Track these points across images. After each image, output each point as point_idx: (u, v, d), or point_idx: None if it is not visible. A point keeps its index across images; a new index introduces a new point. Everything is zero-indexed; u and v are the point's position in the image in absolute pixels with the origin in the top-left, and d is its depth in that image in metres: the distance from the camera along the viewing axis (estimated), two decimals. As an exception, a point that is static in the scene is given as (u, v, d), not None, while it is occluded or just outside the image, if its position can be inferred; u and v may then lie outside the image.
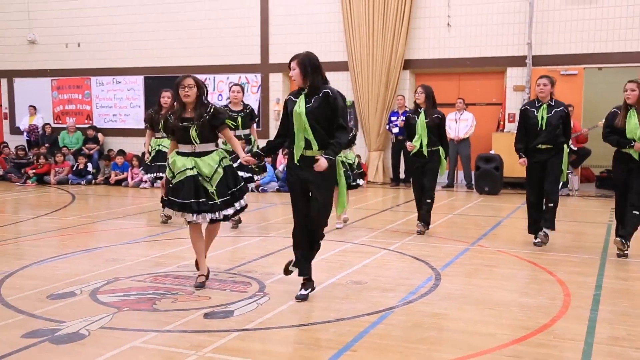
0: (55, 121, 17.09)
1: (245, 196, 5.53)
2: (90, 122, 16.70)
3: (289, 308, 4.93)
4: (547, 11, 12.77)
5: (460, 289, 5.49)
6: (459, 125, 13.13)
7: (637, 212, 6.65)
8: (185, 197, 5.24)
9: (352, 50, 14.05)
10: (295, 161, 5.06)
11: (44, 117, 17.06)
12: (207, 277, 5.61)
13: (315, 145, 4.97)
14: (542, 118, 7.04)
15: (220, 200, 5.31)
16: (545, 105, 7.08)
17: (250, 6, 14.98)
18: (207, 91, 5.55)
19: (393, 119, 13.50)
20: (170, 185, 5.36)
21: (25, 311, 4.78)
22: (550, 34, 12.81)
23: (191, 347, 4.06)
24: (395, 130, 13.29)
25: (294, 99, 5.13)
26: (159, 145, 8.71)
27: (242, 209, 5.57)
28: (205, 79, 15.58)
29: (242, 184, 5.53)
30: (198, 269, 5.62)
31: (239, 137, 8.20)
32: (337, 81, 14.40)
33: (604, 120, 7.11)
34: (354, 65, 14.07)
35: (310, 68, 5.11)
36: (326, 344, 4.19)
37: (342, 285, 5.58)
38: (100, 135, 16.14)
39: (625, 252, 6.66)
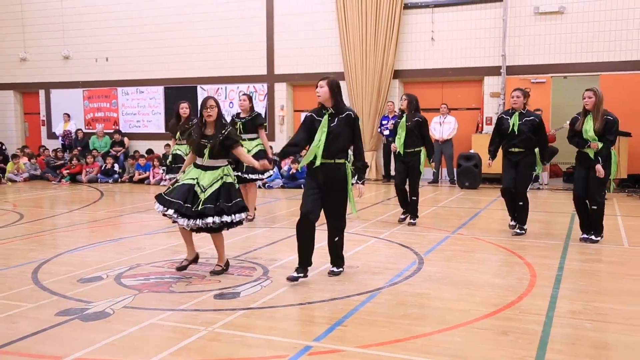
0: (87, 127, 17.16)
1: (241, 213, 5.26)
2: (117, 127, 16.75)
3: (289, 289, 4.97)
4: (519, 27, 12.77)
5: (441, 272, 5.53)
6: (443, 128, 13.15)
7: (595, 207, 6.69)
8: (175, 197, 5.13)
9: (347, 62, 14.07)
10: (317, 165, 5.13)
11: (77, 124, 17.11)
12: (192, 262, 5.54)
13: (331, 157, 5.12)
14: (514, 124, 7.07)
15: (202, 207, 5.10)
16: (517, 114, 7.11)
17: (258, 24, 15.00)
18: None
19: (384, 122, 13.52)
20: (171, 186, 5.33)
21: (58, 293, 4.85)
22: (521, 47, 12.81)
23: (202, 324, 4.11)
24: (386, 132, 13.31)
25: (316, 117, 5.17)
26: (176, 150, 8.77)
27: (234, 223, 5.26)
28: (218, 89, 15.66)
29: (237, 200, 5.26)
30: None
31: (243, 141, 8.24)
32: (334, 90, 14.45)
33: (568, 121, 7.16)
34: (349, 75, 14.09)
35: (337, 90, 5.19)
36: (321, 320, 4.24)
37: (336, 269, 5.61)
38: (126, 139, 16.20)
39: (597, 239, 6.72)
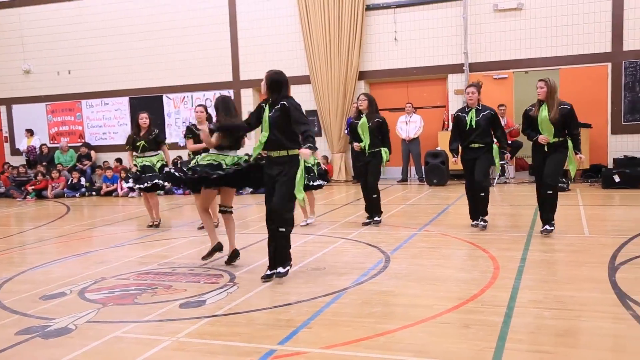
0: (51, 141, 16.90)
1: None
2: (83, 140, 16.54)
3: (255, 295, 4.98)
4: (479, 24, 12.99)
5: (406, 269, 5.59)
6: (409, 127, 13.29)
7: (550, 192, 6.83)
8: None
9: (312, 65, 14.13)
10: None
11: (41, 139, 16.85)
12: (216, 250, 6.18)
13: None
14: (472, 119, 7.19)
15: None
16: (474, 110, 7.22)
17: (221, 30, 14.98)
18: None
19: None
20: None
21: (19, 311, 4.77)
22: (483, 44, 13.02)
23: (167, 334, 4.09)
24: (354, 133, 13.39)
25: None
26: (143, 161, 8.68)
27: None
28: (184, 97, 15.57)
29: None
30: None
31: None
32: (300, 93, 14.51)
33: None
34: (315, 78, 14.15)
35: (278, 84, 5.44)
36: (286, 323, 4.25)
37: (304, 272, 5.64)
38: (92, 152, 16.00)
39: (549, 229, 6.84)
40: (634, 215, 8.09)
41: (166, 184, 9.01)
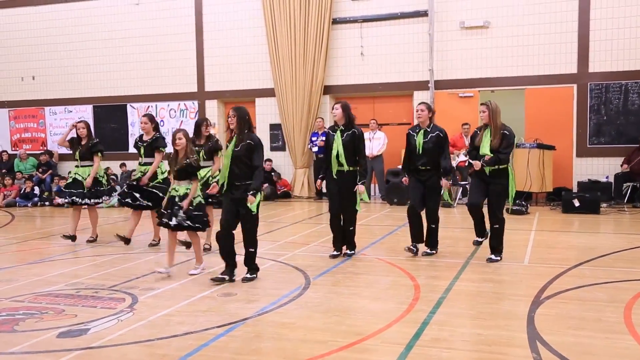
0: (13, 148, 16.52)
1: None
2: (45, 148, 16.14)
3: (147, 323, 4.62)
4: (445, 41, 12.76)
5: (319, 298, 5.25)
6: (372, 144, 12.98)
7: (497, 226, 6.53)
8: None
9: (277, 77, 13.86)
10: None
11: (3, 145, 16.47)
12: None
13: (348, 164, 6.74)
14: (419, 143, 6.86)
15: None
16: (422, 131, 6.89)
17: (187, 40, 14.70)
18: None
19: (314, 139, 13.30)
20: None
21: None
22: (448, 61, 12.79)
23: (24, 368, 3.72)
24: (315, 149, 13.11)
25: (332, 133, 6.89)
26: (75, 173, 8.33)
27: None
28: (148, 107, 15.24)
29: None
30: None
31: (143, 165, 7.88)
32: (265, 106, 14.27)
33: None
34: (280, 91, 13.87)
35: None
36: (159, 359, 3.88)
37: (211, 299, 5.29)
38: (55, 159, 15.59)
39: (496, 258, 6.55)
40: (583, 243, 7.78)
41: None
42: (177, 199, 6.11)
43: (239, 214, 5.80)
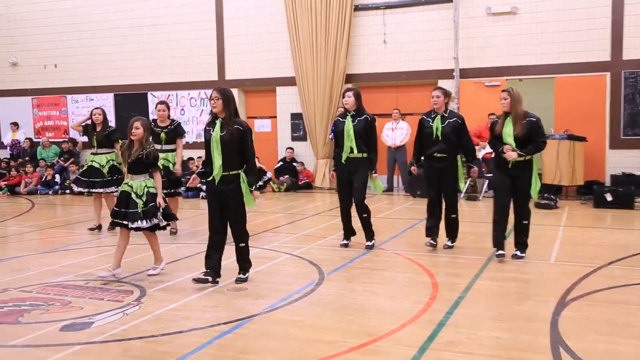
0: (36, 136, 16.65)
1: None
2: (67, 136, 16.24)
3: (152, 318, 4.50)
4: (471, 28, 12.37)
5: (332, 294, 5.07)
6: (395, 134, 12.74)
7: (526, 222, 6.24)
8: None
9: (298, 66, 13.64)
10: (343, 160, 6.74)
11: (26, 132, 16.62)
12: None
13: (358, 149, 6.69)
14: (437, 128, 6.65)
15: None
16: (439, 116, 6.69)
17: (208, 28, 14.57)
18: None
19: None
20: None
21: None
22: (474, 49, 12.40)
23: (22, 364, 3.63)
24: (337, 139, 12.89)
25: (341, 120, 6.84)
26: (92, 160, 8.30)
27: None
28: (169, 95, 15.19)
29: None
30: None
31: (163, 152, 7.83)
32: (286, 95, 14.09)
33: None
34: (301, 80, 13.65)
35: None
36: (160, 357, 3.76)
37: (220, 293, 5.15)
38: (79, 147, 15.66)
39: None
40: (615, 240, 7.42)
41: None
42: (133, 196, 5.54)
43: (224, 213, 5.26)
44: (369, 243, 6.89)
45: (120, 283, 5.51)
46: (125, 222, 5.54)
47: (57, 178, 13.75)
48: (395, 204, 11.13)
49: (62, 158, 15.10)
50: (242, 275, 5.49)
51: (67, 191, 13.48)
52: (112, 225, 8.15)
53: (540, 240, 7.25)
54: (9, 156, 16.21)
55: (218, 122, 5.21)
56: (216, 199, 5.28)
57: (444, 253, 6.63)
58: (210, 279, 5.28)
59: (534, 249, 6.57)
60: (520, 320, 4.35)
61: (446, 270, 5.89)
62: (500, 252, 6.15)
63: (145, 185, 5.62)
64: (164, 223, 5.69)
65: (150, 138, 5.84)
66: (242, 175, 5.24)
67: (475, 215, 9.58)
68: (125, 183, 5.69)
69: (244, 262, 5.50)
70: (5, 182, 13.71)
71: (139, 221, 5.51)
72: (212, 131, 5.19)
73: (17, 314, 4.64)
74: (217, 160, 5.15)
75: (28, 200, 12.63)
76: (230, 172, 5.20)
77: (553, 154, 10.78)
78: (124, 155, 5.66)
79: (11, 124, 16.54)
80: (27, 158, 15.46)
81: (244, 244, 5.41)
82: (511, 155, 6.02)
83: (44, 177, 13.73)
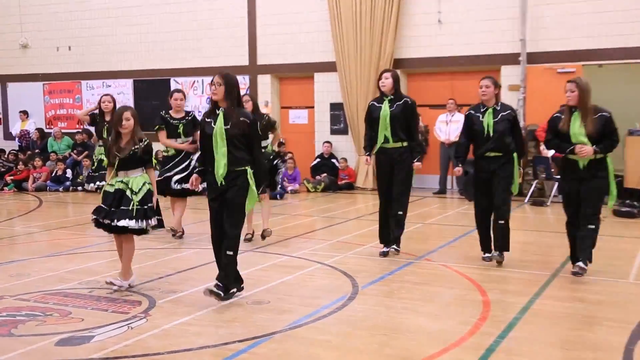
0: (48, 126, 17.13)
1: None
2: (82, 127, 16.62)
3: (159, 333, 4.54)
4: (542, 5, 12.10)
5: (365, 311, 5.01)
6: (449, 127, 12.59)
7: (592, 226, 6.05)
8: None
9: (340, 50, 13.61)
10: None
11: (37, 122, 17.10)
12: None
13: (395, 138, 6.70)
14: (489, 125, 6.50)
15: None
16: (491, 110, 6.53)
17: (238, 6, 14.69)
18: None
19: (380, 121, 13.00)
20: None
21: None
22: (545, 30, 12.14)
23: (12, 379, 3.71)
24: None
25: (377, 104, 6.80)
26: (101, 154, 8.45)
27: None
28: (194, 82, 15.40)
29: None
30: None
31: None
32: (325, 82, 14.10)
33: None
34: (342, 66, 13.63)
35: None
36: (165, 377, 3.78)
37: (239, 306, 5.16)
38: (94, 139, 16.00)
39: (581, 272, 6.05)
40: None
41: None
42: (127, 193, 5.44)
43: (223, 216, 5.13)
44: (396, 248, 6.98)
45: (128, 292, 5.58)
46: (106, 221, 5.40)
47: (69, 173, 14.09)
48: (448, 208, 10.98)
49: (75, 151, 15.48)
50: (215, 289, 5.06)
51: (79, 188, 13.81)
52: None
53: (616, 255, 7.03)
54: (17, 148, 16.72)
55: (220, 113, 5.10)
56: (219, 207, 5.16)
57: (499, 267, 6.48)
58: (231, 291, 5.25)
59: (608, 265, 6.37)
60: (586, 349, 4.21)
61: (501, 286, 5.75)
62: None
63: (145, 182, 5.54)
64: (153, 224, 5.54)
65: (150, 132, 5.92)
66: (249, 171, 5.16)
67: (542, 224, 9.35)
68: (120, 181, 5.50)
69: (226, 273, 5.15)
70: (12, 177, 14.12)
71: (127, 220, 5.37)
72: (214, 123, 5.09)
73: (10, 325, 4.74)
74: (221, 158, 5.04)
75: (36, 197, 12.99)
76: (236, 169, 5.10)
77: (638, 154, 10.46)
78: (112, 150, 5.49)
79: (20, 112, 17.04)
80: (37, 150, 15.91)
81: (232, 253, 5.12)
82: (588, 151, 5.83)
83: (54, 171, 14.09)
